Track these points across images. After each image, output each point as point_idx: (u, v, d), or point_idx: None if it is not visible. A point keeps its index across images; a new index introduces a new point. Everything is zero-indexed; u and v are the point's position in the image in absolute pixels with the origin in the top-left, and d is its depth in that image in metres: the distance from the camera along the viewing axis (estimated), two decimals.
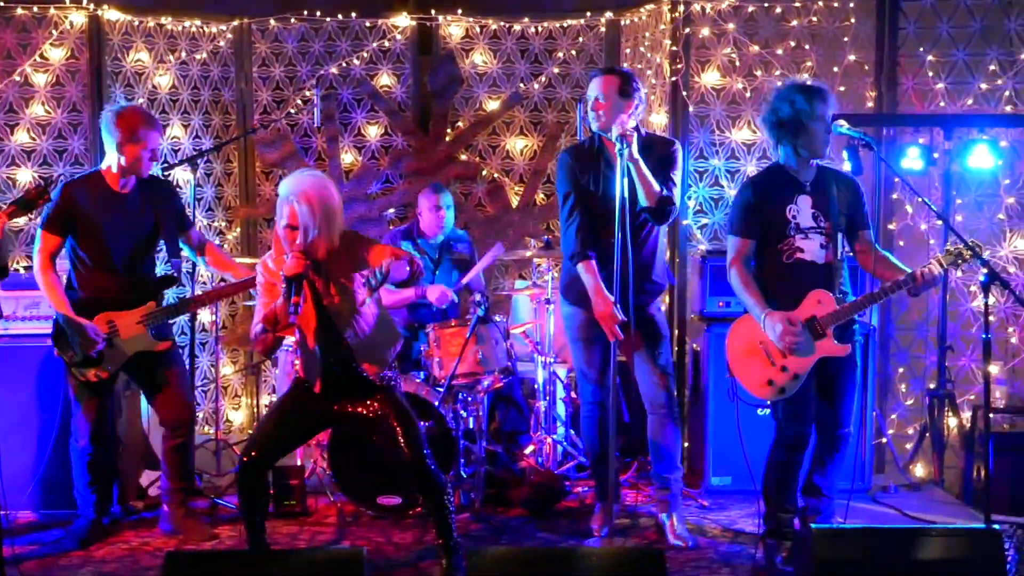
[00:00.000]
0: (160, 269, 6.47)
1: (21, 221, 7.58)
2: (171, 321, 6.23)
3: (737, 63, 7.44)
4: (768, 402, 5.62)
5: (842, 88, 7.34)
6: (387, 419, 5.40)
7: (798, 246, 5.43)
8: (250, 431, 8.13)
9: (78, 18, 7.62)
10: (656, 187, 5.64)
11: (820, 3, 7.39)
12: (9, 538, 5.30)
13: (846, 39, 7.41)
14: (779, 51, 7.39)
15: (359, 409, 5.44)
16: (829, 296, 5.41)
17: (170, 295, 6.55)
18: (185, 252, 6.25)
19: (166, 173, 7.86)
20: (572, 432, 7.16)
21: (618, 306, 5.60)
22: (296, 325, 5.15)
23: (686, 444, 7.13)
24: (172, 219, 6.12)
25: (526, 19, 8.36)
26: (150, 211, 6.02)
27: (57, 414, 6.48)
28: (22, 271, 7.26)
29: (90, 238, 5.92)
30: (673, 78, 7.41)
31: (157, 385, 6.10)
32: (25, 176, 7.61)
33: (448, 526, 5.42)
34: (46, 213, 5.91)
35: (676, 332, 7.43)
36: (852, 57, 7.40)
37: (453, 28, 8.40)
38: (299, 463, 6.80)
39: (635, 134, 5.59)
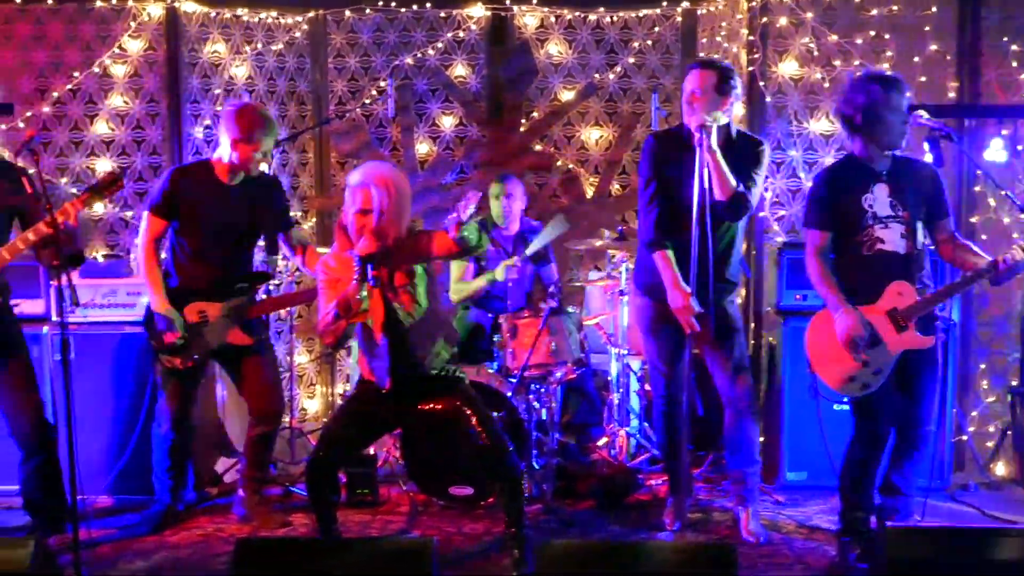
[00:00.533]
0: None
1: (100, 210, 7.70)
2: (261, 315, 6.28)
3: (815, 53, 7.32)
4: (848, 399, 5.51)
5: (923, 78, 7.21)
6: (460, 410, 5.40)
7: (878, 236, 5.33)
8: (324, 419, 8.19)
9: (156, 10, 7.69)
10: (732, 182, 5.55)
11: None
12: (85, 522, 5.35)
13: (927, 28, 7.26)
14: (858, 40, 7.26)
15: (430, 405, 5.44)
16: (910, 287, 5.31)
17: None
18: (284, 251, 6.29)
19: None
20: (646, 425, 7.11)
21: (694, 297, 5.54)
22: (367, 312, 5.16)
23: (761, 439, 7.04)
24: (274, 217, 6.17)
25: (601, 9, 8.30)
26: (253, 207, 6.06)
27: (133, 401, 6.56)
28: (100, 259, 7.33)
29: (191, 226, 6.00)
30: (750, 68, 7.32)
31: (245, 376, 6.15)
32: (104, 166, 7.70)
33: (520, 516, 5.40)
34: (155, 197, 6.00)
35: (752, 325, 7.36)
36: (933, 47, 7.26)
37: (528, 18, 8.37)
38: (372, 452, 6.82)
39: (714, 125, 5.51)
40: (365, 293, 5.10)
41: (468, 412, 5.39)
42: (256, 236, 6.16)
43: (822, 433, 5.54)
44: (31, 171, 5.41)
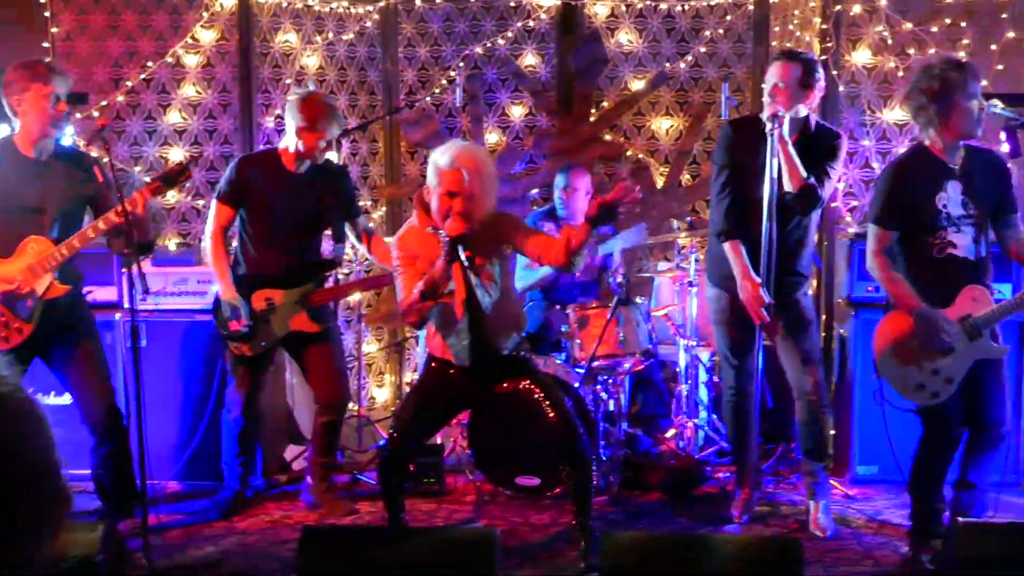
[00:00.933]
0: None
1: (172, 199, 7.77)
2: (329, 303, 6.30)
3: (889, 41, 7.22)
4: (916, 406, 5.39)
5: (1000, 67, 7.07)
6: (532, 391, 5.40)
7: (950, 240, 5.18)
8: (393, 408, 8.21)
9: (228, 0, 7.74)
10: (802, 173, 5.48)
11: None
12: (154, 507, 5.42)
13: (1004, 16, 7.12)
14: (933, 28, 7.14)
15: (503, 385, 5.44)
16: (985, 293, 5.18)
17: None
18: (350, 239, 6.32)
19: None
20: (714, 416, 7.06)
21: (764, 288, 5.48)
22: (452, 293, 5.19)
23: (832, 432, 6.97)
24: (340, 205, 6.20)
25: None
26: (320, 195, 6.10)
27: (203, 388, 6.63)
28: (172, 248, 7.41)
29: (258, 214, 6.05)
30: (823, 57, 7.21)
31: (311, 365, 6.19)
32: (177, 155, 7.76)
33: (588, 506, 5.40)
34: (222, 186, 6.08)
35: (823, 317, 7.27)
36: (1011, 34, 7.11)
37: (598, 7, 8.32)
38: (439, 442, 6.83)
39: (787, 116, 5.45)
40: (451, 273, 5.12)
41: (540, 394, 5.39)
42: (323, 224, 6.19)
43: (888, 437, 5.41)
44: (104, 160, 5.47)
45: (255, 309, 6.00)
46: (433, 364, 5.52)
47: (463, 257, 5.09)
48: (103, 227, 5.39)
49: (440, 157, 5.19)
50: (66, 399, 5.99)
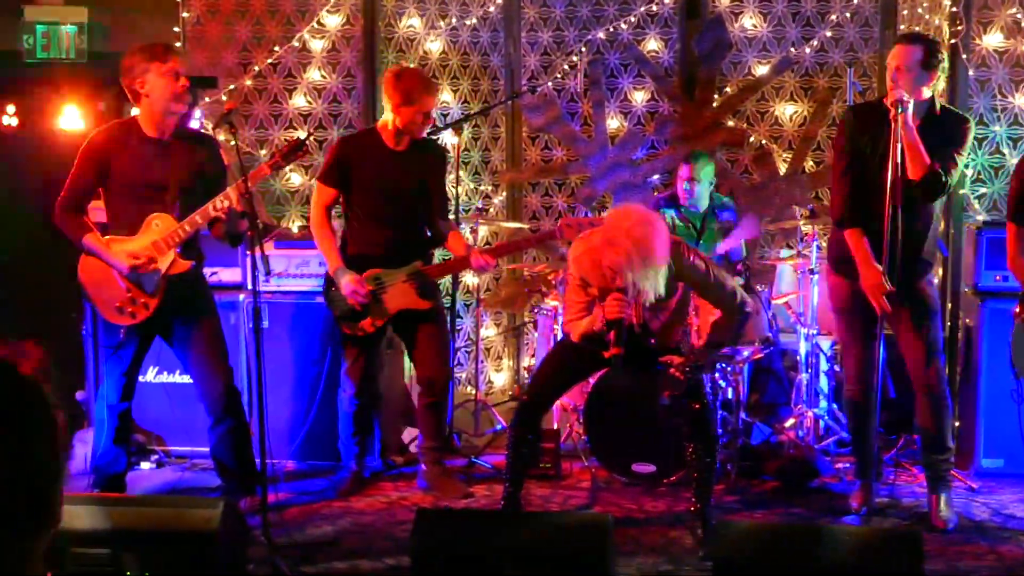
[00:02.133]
0: None
1: (297, 181, 7.87)
2: (437, 281, 6.31)
3: (1023, 23, 7.00)
4: None
5: None
6: (667, 376, 5.39)
7: None
8: (511, 393, 8.24)
9: None
10: (926, 160, 5.34)
11: None
12: (273, 486, 5.48)
13: None
14: None
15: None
16: None
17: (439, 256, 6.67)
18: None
19: (434, 137, 8.00)
20: (834, 406, 6.93)
21: (887, 277, 5.36)
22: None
23: (956, 423, 6.81)
24: (441, 181, 6.23)
25: None
26: (422, 171, 6.13)
27: (322, 368, 6.70)
28: (295, 230, 7.50)
29: (363, 192, 6.09)
30: (952, 40, 7.03)
31: (418, 344, 6.21)
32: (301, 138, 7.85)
33: (708, 490, 5.39)
34: (323, 167, 6.13)
35: (949, 306, 7.09)
36: None
37: None
38: (555, 427, 6.82)
39: (911, 100, 5.33)
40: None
41: (673, 368, 5.38)
42: (427, 201, 6.18)
43: (1021, 433, 5.24)
44: (231, 143, 5.54)
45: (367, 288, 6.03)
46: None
47: (614, 346, 5.14)
48: (200, 221, 5.52)
49: (608, 218, 5.19)
50: (188, 379, 6.10)
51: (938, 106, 5.54)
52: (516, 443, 5.62)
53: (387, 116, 6.07)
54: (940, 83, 6.76)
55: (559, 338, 5.87)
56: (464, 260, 6.15)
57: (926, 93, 5.39)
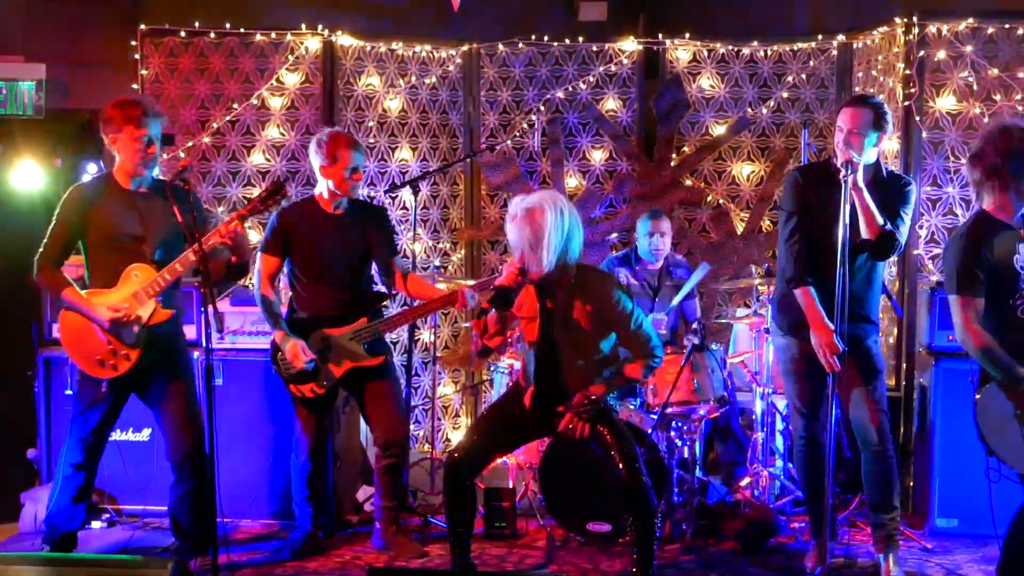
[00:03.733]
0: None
1: (255, 238, 7.84)
2: (384, 336, 6.30)
3: (975, 87, 7.11)
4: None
5: None
6: (602, 437, 5.39)
7: None
8: None
9: (313, 44, 7.85)
10: (879, 220, 5.40)
11: None
12: (225, 547, 5.43)
13: None
14: (1020, 74, 7.03)
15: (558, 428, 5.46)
16: None
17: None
18: (383, 279, 6.33)
19: (392, 194, 8.03)
20: (790, 465, 6.94)
21: (837, 336, 5.39)
22: (502, 336, 5.38)
23: (911, 483, 6.84)
24: (385, 241, 6.25)
25: (755, 43, 8.20)
26: (363, 231, 6.17)
27: (278, 427, 6.66)
28: (250, 287, 7.48)
29: (306, 258, 6.11)
30: (906, 103, 7.13)
31: (370, 403, 6.19)
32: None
33: (650, 556, 5.35)
34: (264, 237, 6.14)
35: (904, 365, 7.14)
36: None
37: (680, 52, 8.30)
38: (511, 485, 6.80)
39: (861, 162, 5.39)
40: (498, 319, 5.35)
41: (608, 438, 5.39)
42: (370, 260, 6.21)
43: (992, 514, 5.20)
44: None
45: (313, 349, 6.02)
46: (512, 387, 5.71)
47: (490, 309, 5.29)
48: (180, 269, 5.52)
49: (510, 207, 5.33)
50: (142, 436, 6.07)
51: (884, 169, 5.60)
52: (452, 511, 5.59)
53: (320, 184, 6.14)
54: (894, 144, 6.88)
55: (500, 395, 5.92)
56: (452, 296, 6.12)
57: (874, 155, 5.45)
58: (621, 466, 5.31)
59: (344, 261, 6.11)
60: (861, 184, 5.35)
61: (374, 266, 6.28)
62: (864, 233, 5.40)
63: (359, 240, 6.15)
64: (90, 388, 5.71)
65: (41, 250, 5.64)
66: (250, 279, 7.20)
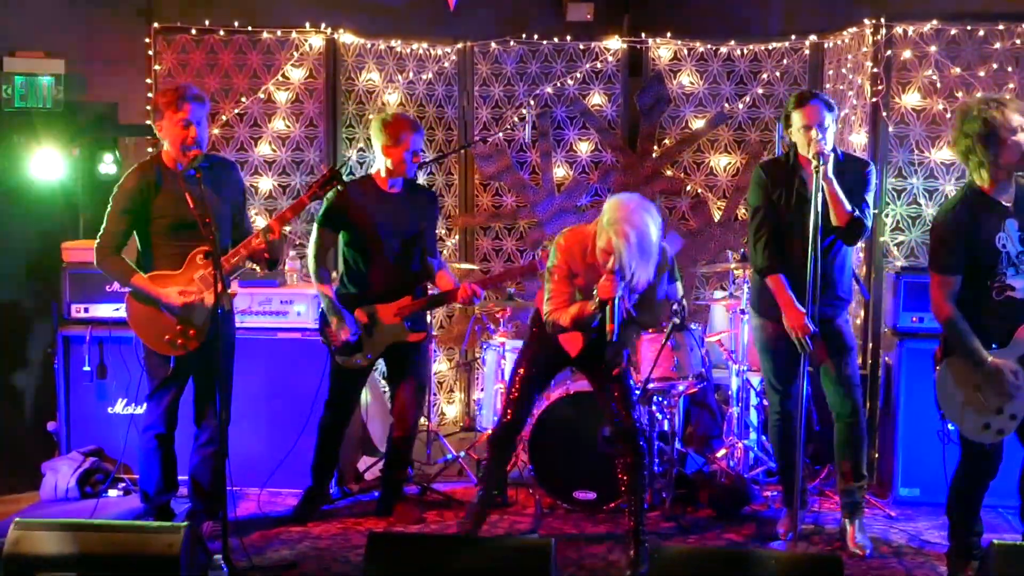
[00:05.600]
0: None
1: (261, 224, 7.84)
2: (425, 314, 6.34)
3: (938, 85, 7.13)
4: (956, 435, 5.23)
5: None
6: (610, 383, 5.52)
7: (1010, 283, 5.01)
8: (461, 424, 8.30)
9: (317, 41, 7.85)
10: (847, 207, 5.44)
11: None
12: (234, 512, 5.46)
13: None
14: (981, 73, 7.05)
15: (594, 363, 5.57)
16: None
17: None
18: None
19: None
20: (763, 438, 6.99)
21: (809, 318, 5.44)
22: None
23: (876, 455, 6.88)
24: (432, 224, 6.30)
25: (732, 42, 8.21)
26: (415, 211, 6.17)
27: (285, 402, 6.67)
28: (257, 270, 7.48)
29: (361, 233, 6.09)
30: (874, 99, 7.15)
31: (399, 378, 6.23)
32: (266, 184, 7.88)
33: (641, 509, 5.47)
34: (321, 211, 6.15)
35: (871, 345, 7.18)
36: None
37: (662, 51, 8.31)
38: None
39: (832, 154, 5.43)
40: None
41: (617, 392, 5.55)
42: (421, 238, 6.21)
43: (944, 460, 5.28)
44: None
45: (359, 323, 6.04)
46: (542, 332, 5.59)
47: (607, 325, 5.15)
48: (244, 252, 5.58)
49: (605, 213, 5.18)
50: (138, 410, 6.16)
51: (839, 152, 5.63)
52: (496, 465, 5.86)
53: (377, 162, 6.13)
54: (863, 138, 6.92)
55: (508, 360, 5.92)
56: (452, 293, 6.15)
57: (829, 145, 5.50)
58: (624, 413, 5.47)
59: (397, 238, 6.09)
60: (831, 176, 5.38)
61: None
62: (834, 221, 5.45)
63: (412, 219, 6.14)
64: (160, 367, 5.73)
65: (102, 238, 5.63)
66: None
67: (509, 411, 5.67)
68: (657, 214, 5.22)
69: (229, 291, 5.59)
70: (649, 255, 5.14)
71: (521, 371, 5.68)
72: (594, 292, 5.18)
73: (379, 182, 6.14)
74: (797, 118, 5.58)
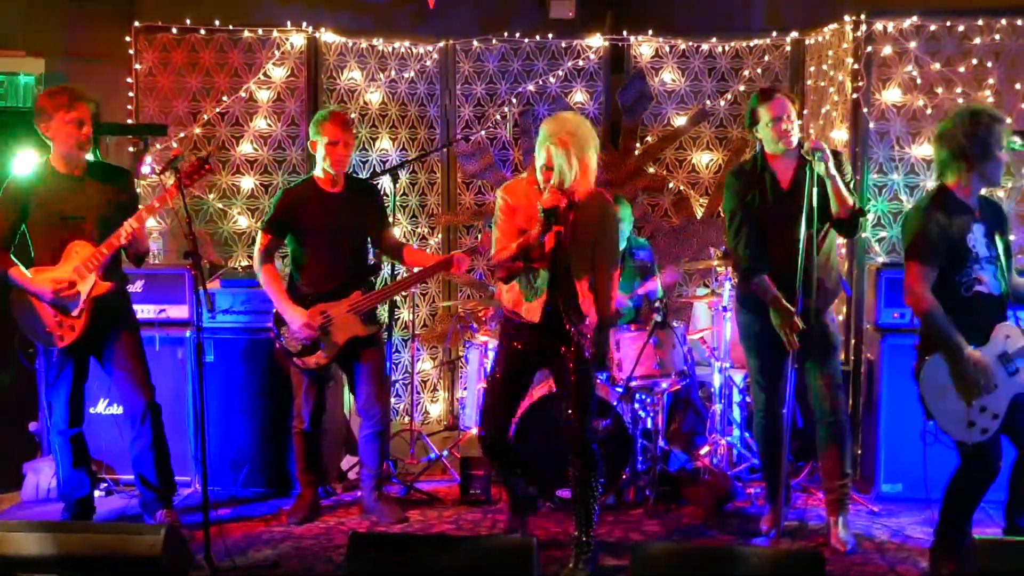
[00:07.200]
0: None
1: (244, 223, 7.82)
2: (376, 309, 6.26)
3: (918, 81, 7.11)
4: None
5: (1023, 105, 6.96)
6: (569, 382, 5.28)
7: (976, 277, 5.03)
8: (445, 423, 8.24)
9: (298, 40, 7.80)
10: (851, 199, 5.43)
11: (1003, 21, 7.00)
12: (214, 511, 5.40)
13: None
14: (961, 69, 7.03)
15: (565, 358, 5.28)
16: (1017, 329, 5.04)
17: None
18: (380, 252, 6.32)
19: (372, 182, 7.99)
20: (747, 435, 6.95)
21: (797, 315, 5.40)
22: (544, 260, 5.17)
23: (859, 451, 6.86)
24: (376, 217, 6.20)
25: (714, 39, 8.18)
26: (358, 209, 6.12)
27: (267, 400, 6.63)
28: (240, 269, 7.43)
29: (309, 236, 6.05)
30: (854, 95, 7.13)
31: (359, 373, 6.16)
32: (248, 183, 7.83)
33: (587, 521, 5.37)
34: (267, 216, 6.12)
35: (852, 342, 7.16)
36: None
37: (644, 48, 8.28)
38: None
39: (827, 148, 5.40)
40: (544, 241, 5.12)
41: (573, 381, 5.27)
42: (365, 236, 6.18)
43: (925, 480, 5.25)
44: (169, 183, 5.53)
45: (314, 323, 5.99)
46: (507, 325, 5.49)
47: (553, 229, 5.05)
48: (135, 225, 5.59)
49: (542, 127, 5.17)
50: (118, 410, 6.13)
51: (806, 146, 5.58)
52: (503, 472, 5.72)
53: (318, 164, 6.09)
54: (844, 134, 6.90)
55: (491, 359, 5.82)
56: (447, 260, 6.08)
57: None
58: (574, 418, 5.28)
59: (344, 238, 6.05)
60: (834, 171, 5.35)
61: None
62: (837, 212, 5.43)
63: (357, 217, 6.10)
64: (48, 359, 5.84)
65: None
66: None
67: (489, 420, 5.53)
68: (592, 128, 5.22)
69: (101, 282, 5.67)
70: (588, 164, 5.11)
71: (495, 377, 5.61)
72: (539, 205, 5.08)
73: (320, 183, 6.10)
74: (764, 113, 5.56)
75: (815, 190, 5.30)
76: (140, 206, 5.71)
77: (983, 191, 5.21)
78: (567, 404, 5.32)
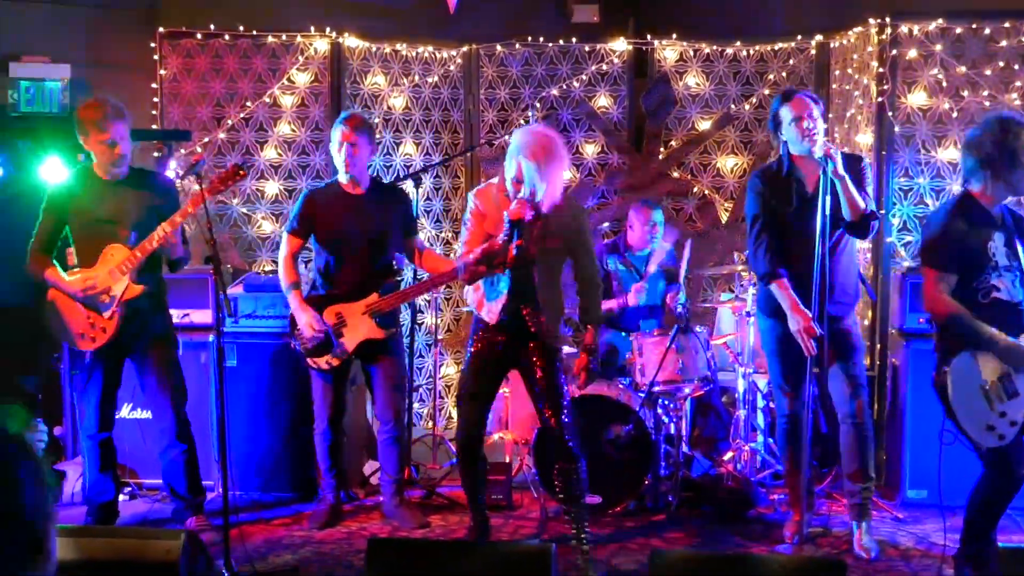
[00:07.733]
0: None
1: (268, 228, 7.82)
2: (395, 311, 6.25)
3: (944, 84, 7.04)
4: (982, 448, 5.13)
5: None
6: (536, 380, 5.39)
7: (994, 284, 4.95)
8: None
9: (322, 45, 7.81)
10: (862, 202, 5.38)
11: None
12: (235, 515, 5.40)
13: None
14: (987, 72, 6.96)
15: (531, 357, 5.40)
16: None
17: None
18: (404, 257, 6.31)
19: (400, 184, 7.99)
20: (770, 440, 6.90)
21: (815, 320, 5.36)
22: (506, 266, 5.22)
23: (884, 457, 6.79)
24: (400, 221, 6.19)
25: (738, 43, 8.14)
26: (383, 212, 6.12)
27: (290, 404, 6.63)
28: (263, 273, 7.44)
29: (330, 237, 6.08)
30: (879, 99, 7.07)
31: (376, 376, 6.17)
32: (272, 188, 7.84)
33: (580, 517, 5.43)
34: (290, 219, 6.16)
35: (878, 346, 7.10)
36: None
37: (668, 52, 8.24)
38: (507, 460, 6.77)
39: (838, 152, 5.35)
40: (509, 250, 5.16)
41: (543, 383, 5.40)
42: (389, 239, 6.15)
43: (939, 483, 5.18)
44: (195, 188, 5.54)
45: (328, 324, 5.98)
46: (476, 325, 5.58)
47: (515, 245, 5.09)
48: (168, 229, 5.60)
49: (512, 139, 5.23)
50: (142, 414, 6.18)
51: (817, 151, 5.52)
52: (468, 475, 5.68)
53: (339, 166, 6.10)
54: (869, 138, 6.83)
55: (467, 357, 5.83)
56: (455, 270, 6.07)
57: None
58: (549, 413, 5.36)
59: (364, 240, 6.05)
60: (843, 172, 5.30)
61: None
62: (848, 216, 5.38)
63: (379, 220, 6.09)
64: (78, 362, 5.93)
65: (33, 241, 5.84)
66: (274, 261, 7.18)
67: (460, 420, 5.64)
68: (562, 143, 5.27)
69: (133, 285, 5.71)
70: (555, 179, 5.17)
71: (463, 377, 5.65)
72: (505, 216, 5.14)
73: (345, 187, 6.11)
74: (787, 113, 5.52)
75: (827, 198, 5.27)
76: None
77: (1008, 200, 5.14)
78: (542, 403, 5.40)
